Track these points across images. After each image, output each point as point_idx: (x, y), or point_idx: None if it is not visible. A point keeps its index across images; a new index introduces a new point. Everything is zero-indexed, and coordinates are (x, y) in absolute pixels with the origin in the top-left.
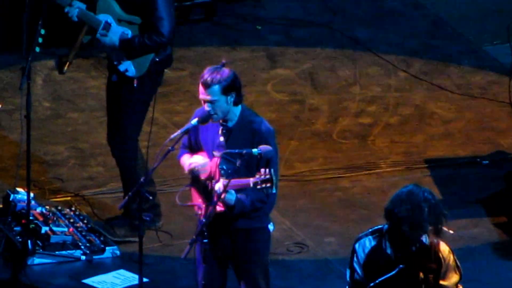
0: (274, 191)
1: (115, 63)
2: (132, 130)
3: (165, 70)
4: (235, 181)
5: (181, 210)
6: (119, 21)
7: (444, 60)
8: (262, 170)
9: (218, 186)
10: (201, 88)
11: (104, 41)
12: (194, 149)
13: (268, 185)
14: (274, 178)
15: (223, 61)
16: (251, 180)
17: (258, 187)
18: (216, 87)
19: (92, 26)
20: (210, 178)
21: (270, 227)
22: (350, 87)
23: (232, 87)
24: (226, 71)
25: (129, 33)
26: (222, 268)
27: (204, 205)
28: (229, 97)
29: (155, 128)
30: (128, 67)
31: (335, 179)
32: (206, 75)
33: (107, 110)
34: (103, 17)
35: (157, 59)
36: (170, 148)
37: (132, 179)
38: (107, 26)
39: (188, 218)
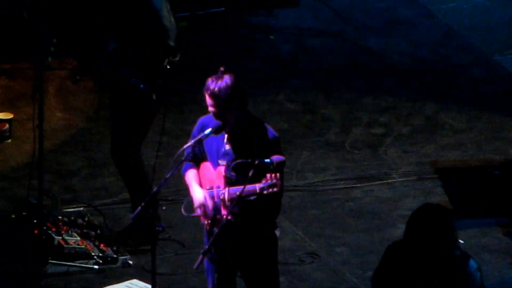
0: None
1: (132, 80)
2: (137, 141)
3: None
4: (241, 188)
5: (194, 220)
6: (123, 36)
7: (456, 70)
8: (268, 175)
9: (225, 194)
10: (208, 100)
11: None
12: (199, 159)
13: (275, 189)
14: (280, 182)
15: (221, 68)
16: (258, 186)
17: (265, 192)
18: (224, 96)
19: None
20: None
21: (277, 233)
22: (362, 97)
23: (238, 93)
24: (228, 77)
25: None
26: (232, 277)
27: (211, 215)
28: (236, 103)
29: (168, 138)
30: (140, 80)
31: (347, 189)
32: (211, 86)
33: (111, 120)
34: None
35: (168, 67)
36: (183, 158)
37: (137, 190)
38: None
39: (200, 228)
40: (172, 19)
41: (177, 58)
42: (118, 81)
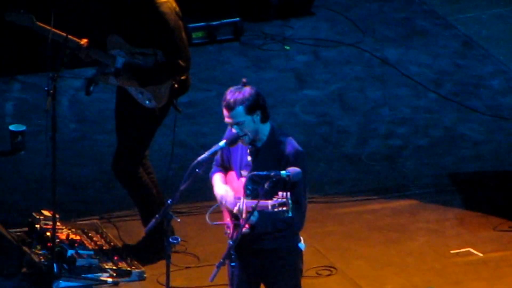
0: (290, 215)
1: (134, 95)
2: (138, 155)
3: None
4: (255, 203)
5: (209, 232)
6: (132, 54)
7: (474, 81)
8: (280, 193)
9: (242, 205)
10: (225, 112)
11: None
12: (226, 167)
13: (284, 208)
14: (290, 202)
15: (244, 80)
16: (269, 203)
17: (276, 210)
18: (240, 108)
19: (106, 63)
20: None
21: (301, 245)
22: (379, 108)
23: (256, 106)
24: (247, 90)
25: (143, 65)
26: None
27: (232, 225)
28: (254, 116)
29: (182, 150)
30: (148, 98)
31: (364, 202)
32: (228, 96)
33: (117, 133)
34: (116, 53)
35: (176, 86)
36: (197, 170)
37: (143, 204)
38: (121, 61)
39: (215, 240)
40: (185, 38)
41: (185, 77)
42: (124, 96)
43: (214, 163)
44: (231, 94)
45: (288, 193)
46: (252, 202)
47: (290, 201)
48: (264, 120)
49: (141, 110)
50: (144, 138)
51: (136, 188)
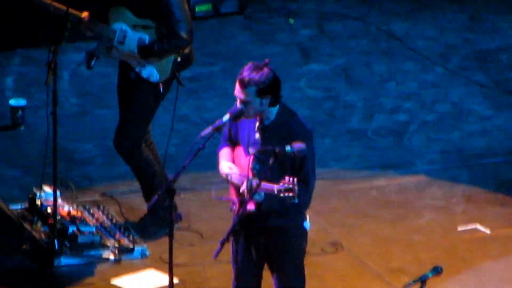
0: (296, 201)
1: (137, 69)
2: (140, 130)
3: None
4: (262, 185)
5: (212, 209)
6: (134, 26)
7: (482, 56)
8: (287, 178)
9: (248, 185)
10: (237, 85)
11: (122, 49)
12: (234, 142)
13: (290, 194)
14: (296, 188)
15: (266, 60)
16: (275, 187)
17: (282, 195)
18: (252, 89)
19: (107, 37)
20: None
21: (306, 225)
22: (385, 83)
23: (269, 90)
24: (266, 72)
25: (146, 38)
26: (257, 268)
27: (237, 201)
28: (264, 100)
29: (185, 125)
30: (151, 72)
31: (370, 178)
32: (245, 73)
33: (119, 108)
34: (117, 26)
35: (179, 60)
36: (200, 146)
37: (145, 180)
38: (123, 34)
39: (219, 217)
40: (187, 10)
41: (188, 51)
42: (126, 70)
43: (222, 137)
44: (249, 71)
45: (295, 179)
46: (263, 185)
47: (296, 187)
48: (273, 104)
49: (144, 85)
50: (147, 113)
51: (138, 163)
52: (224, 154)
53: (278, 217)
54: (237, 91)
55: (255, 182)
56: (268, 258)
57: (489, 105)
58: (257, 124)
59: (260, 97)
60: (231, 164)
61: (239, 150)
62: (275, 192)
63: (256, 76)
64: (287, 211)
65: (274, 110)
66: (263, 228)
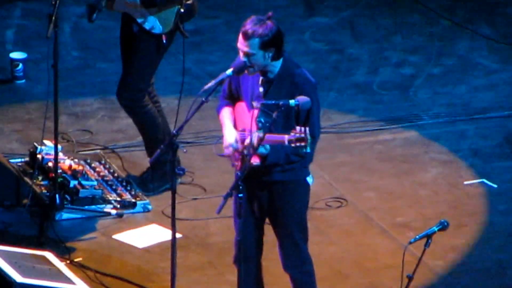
0: (308, 151)
1: (139, 21)
2: (143, 82)
3: None
4: (270, 137)
5: (215, 163)
6: None
7: (489, 8)
8: (298, 128)
9: (253, 138)
10: (240, 37)
11: None
12: (234, 97)
13: (302, 144)
14: (309, 137)
15: (270, 13)
16: (286, 137)
17: (292, 145)
18: (256, 41)
19: None
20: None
21: (309, 179)
22: (391, 36)
23: (272, 43)
24: (269, 25)
25: None
26: (259, 222)
27: (240, 156)
28: (267, 53)
29: (188, 78)
30: (154, 24)
31: (375, 132)
32: (248, 25)
33: (122, 60)
34: None
35: (182, 11)
36: (203, 99)
37: (147, 133)
38: None
39: (222, 171)
40: None
41: (191, 2)
42: (129, 22)
43: (221, 94)
44: (252, 24)
45: (307, 128)
46: (270, 137)
47: (308, 136)
48: (276, 58)
49: (146, 37)
50: (149, 65)
51: (141, 116)
52: (226, 114)
53: (282, 172)
54: (240, 43)
55: (260, 134)
56: (271, 212)
57: (496, 58)
58: (261, 77)
59: (264, 49)
60: (238, 135)
61: (241, 105)
62: (286, 142)
63: (259, 28)
64: (292, 165)
65: (278, 63)
66: (266, 182)
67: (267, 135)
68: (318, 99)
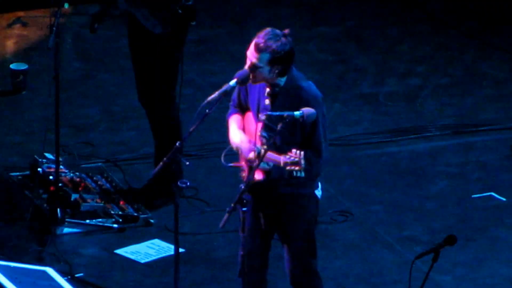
0: (302, 175)
1: (147, 24)
2: (166, 85)
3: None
4: (269, 155)
5: (219, 176)
6: None
7: (497, 18)
8: (294, 151)
9: (255, 153)
10: (251, 47)
11: None
12: (243, 107)
13: (296, 168)
14: (303, 162)
15: (286, 30)
16: (282, 159)
17: (288, 168)
18: (266, 56)
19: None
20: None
21: (318, 193)
22: (397, 46)
23: (282, 61)
24: (283, 42)
25: None
26: (265, 236)
27: (246, 168)
28: (274, 69)
29: (191, 90)
30: (154, 23)
31: (381, 144)
32: (263, 38)
33: (134, 67)
34: None
35: (180, 11)
36: (207, 110)
37: (165, 144)
38: None
39: (225, 185)
40: None
41: (190, 2)
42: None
43: (231, 103)
44: (266, 38)
45: (302, 152)
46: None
47: (303, 161)
48: (282, 75)
49: (153, 40)
50: (165, 69)
51: (170, 123)
52: (234, 121)
53: (288, 185)
54: (250, 52)
55: (263, 150)
56: (279, 227)
57: (504, 68)
58: (267, 89)
59: (271, 65)
60: (242, 136)
61: (249, 116)
62: (281, 164)
63: (273, 44)
64: (297, 179)
65: (283, 77)
66: (273, 196)
67: (268, 153)
68: (324, 113)
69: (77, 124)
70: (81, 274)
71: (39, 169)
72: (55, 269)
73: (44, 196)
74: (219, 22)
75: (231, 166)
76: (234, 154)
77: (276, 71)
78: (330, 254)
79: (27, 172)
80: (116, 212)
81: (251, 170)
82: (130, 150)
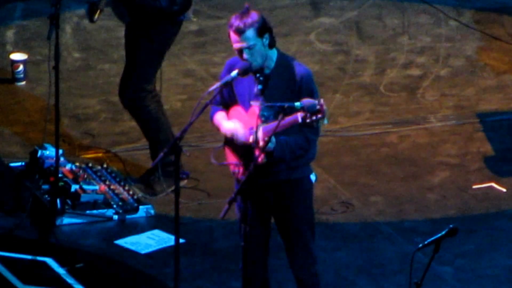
0: (326, 122)
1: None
2: (143, 79)
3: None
4: (283, 121)
5: (219, 167)
6: None
7: (498, 8)
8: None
9: (258, 134)
10: (234, 37)
11: None
12: (227, 104)
13: (319, 116)
14: (325, 108)
15: (246, 5)
16: (299, 115)
17: (308, 120)
18: (251, 31)
19: None
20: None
21: (312, 177)
22: (398, 37)
23: (265, 28)
24: (254, 13)
25: None
26: (264, 225)
27: (242, 163)
28: (264, 39)
29: (191, 80)
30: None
31: (382, 135)
32: (236, 22)
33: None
34: None
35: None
36: (208, 101)
37: (151, 134)
38: None
39: (226, 175)
40: None
41: None
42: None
43: (212, 103)
44: (239, 19)
45: (322, 99)
46: (270, 126)
47: (325, 107)
48: (271, 45)
49: (150, 31)
50: (152, 60)
51: (144, 116)
52: (221, 116)
53: (286, 170)
54: (237, 42)
55: (269, 126)
56: (279, 213)
57: (505, 59)
58: (257, 74)
59: (261, 37)
60: (236, 121)
61: (235, 110)
62: (299, 120)
63: (248, 19)
64: (296, 162)
65: (273, 56)
66: (272, 182)
67: (270, 125)
68: (317, 88)
69: (77, 114)
70: (81, 265)
71: (39, 159)
72: (55, 260)
73: (44, 186)
74: (219, 12)
75: (222, 165)
76: (223, 153)
77: (266, 41)
78: (330, 245)
79: (27, 162)
80: (116, 203)
81: (249, 162)
82: (130, 141)
